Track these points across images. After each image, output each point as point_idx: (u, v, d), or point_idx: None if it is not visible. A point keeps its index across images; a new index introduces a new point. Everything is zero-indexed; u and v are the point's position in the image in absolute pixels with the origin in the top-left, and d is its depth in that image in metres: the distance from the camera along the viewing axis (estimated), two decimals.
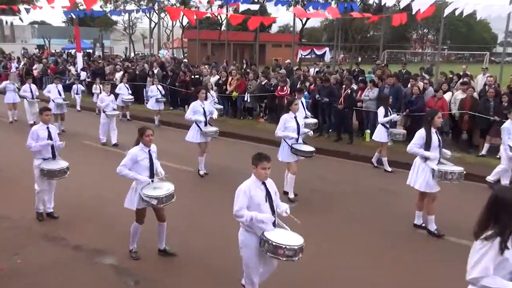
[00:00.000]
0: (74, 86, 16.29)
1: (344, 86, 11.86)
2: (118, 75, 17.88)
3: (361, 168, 9.90)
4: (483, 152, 10.33)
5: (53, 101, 12.49)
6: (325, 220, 6.82)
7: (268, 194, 4.11)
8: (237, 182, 4.24)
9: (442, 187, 6.29)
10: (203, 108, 8.72)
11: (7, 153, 9.68)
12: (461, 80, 12.49)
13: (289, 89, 13.57)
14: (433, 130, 6.16)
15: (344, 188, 8.47)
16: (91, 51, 33.82)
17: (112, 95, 11.56)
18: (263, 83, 14.29)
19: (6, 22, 58.24)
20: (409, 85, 11.84)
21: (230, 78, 14.80)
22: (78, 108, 16.38)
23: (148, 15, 42.44)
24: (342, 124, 11.85)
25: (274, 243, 3.82)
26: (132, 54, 34.97)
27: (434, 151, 6.14)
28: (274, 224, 4.11)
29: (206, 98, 9.05)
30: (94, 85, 15.97)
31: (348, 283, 5.06)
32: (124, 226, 6.27)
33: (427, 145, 6.11)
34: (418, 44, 69.78)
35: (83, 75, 19.42)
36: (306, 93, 13.03)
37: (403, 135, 9.59)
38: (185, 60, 27.68)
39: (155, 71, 17.48)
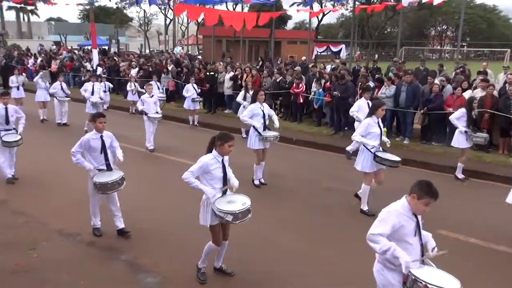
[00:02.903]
0: (102, 84, 15.97)
1: (360, 83, 11.69)
2: (133, 71, 17.99)
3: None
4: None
5: (88, 100, 12.17)
6: (344, 222, 6.72)
7: (418, 225, 3.50)
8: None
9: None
10: (262, 110, 7.96)
11: (33, 152, 9.49)
12: (479, 77, 12.18)
13: (304, 86, 13.45)
14: None
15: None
16: (106, 47, 34.06)
17: (155, 96, 10.80)
18: (278, 80, 14.20)
19: (24, 18, 59.17)
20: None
21: (245, 75, 14.73)
22: (105, 107, 15.14)
23: (163, 11, 42.66)
24: None
25: (431, 286, 3.16)
26: (148, 51, 35.11)
27: None
28: (422, 261, 3.50)
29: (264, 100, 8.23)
30: (129, 83, 15.56)
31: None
32: (139, 223, 6.30)
33: None
34: (436, 41, 68.71)
35: (99, 70, 19.51)
36: (321, 90, 12.92)
37: (485, 139, 8.60)
38: (199, 56, 27.69)
39: (170, 68, 17.52)
